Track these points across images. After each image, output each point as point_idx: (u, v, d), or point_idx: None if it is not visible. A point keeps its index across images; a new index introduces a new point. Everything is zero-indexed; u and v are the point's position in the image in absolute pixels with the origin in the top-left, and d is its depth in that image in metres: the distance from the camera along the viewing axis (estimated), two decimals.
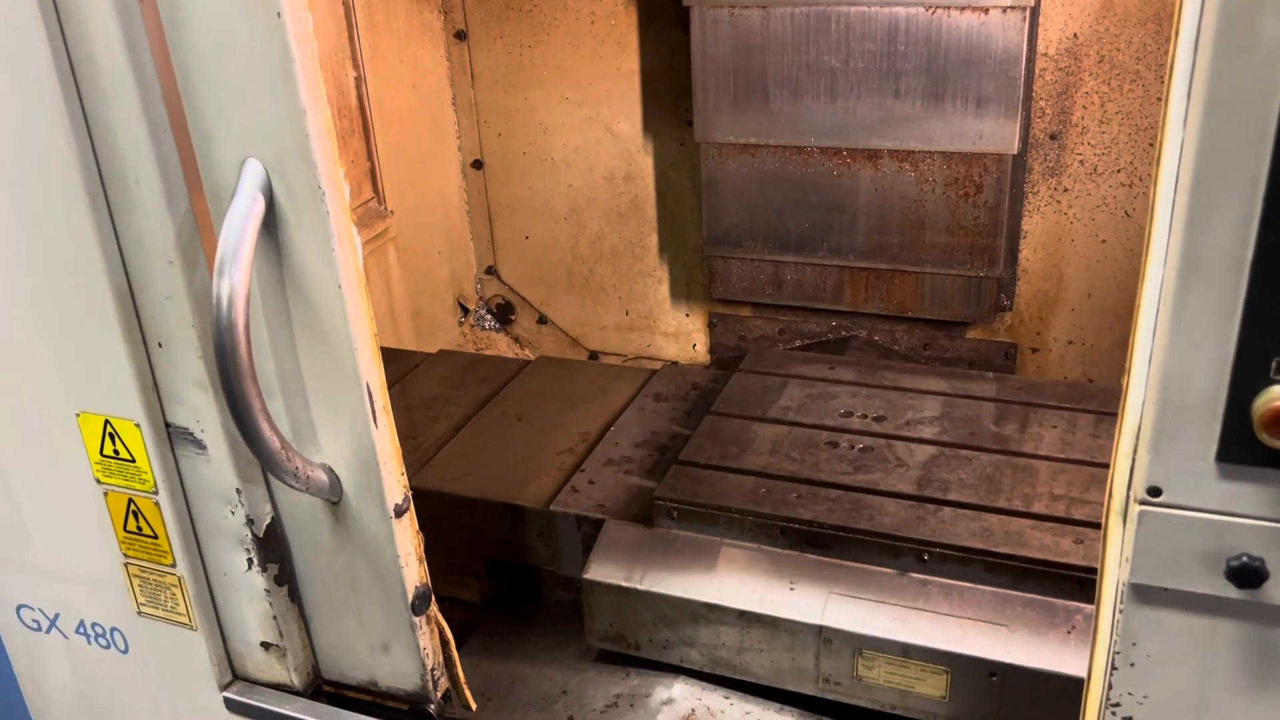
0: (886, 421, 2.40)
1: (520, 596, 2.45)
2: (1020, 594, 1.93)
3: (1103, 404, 2.41)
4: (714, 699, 2.10)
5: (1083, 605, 1.88)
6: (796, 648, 2.01)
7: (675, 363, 3.43)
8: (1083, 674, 1.68)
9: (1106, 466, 2.16)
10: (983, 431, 2.33)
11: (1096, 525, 1.92)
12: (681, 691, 2.11)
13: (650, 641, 2.14)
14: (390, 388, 1.67)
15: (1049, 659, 1.84)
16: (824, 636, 1.97)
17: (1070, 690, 1.76)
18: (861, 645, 1.94)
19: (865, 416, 2.43)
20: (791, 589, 2.03)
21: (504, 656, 2.28)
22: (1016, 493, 2.12)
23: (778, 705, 2.08)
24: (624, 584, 2.10)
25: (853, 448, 2.30)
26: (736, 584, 2.06)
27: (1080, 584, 1.89)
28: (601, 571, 2.14)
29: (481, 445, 2.57)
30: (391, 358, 2.75)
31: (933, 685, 1.92)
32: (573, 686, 2.18)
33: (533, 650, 2.27)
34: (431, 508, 2.05)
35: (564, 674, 2.21)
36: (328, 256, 1.52)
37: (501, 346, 3.69)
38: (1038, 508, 2.06)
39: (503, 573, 2.45)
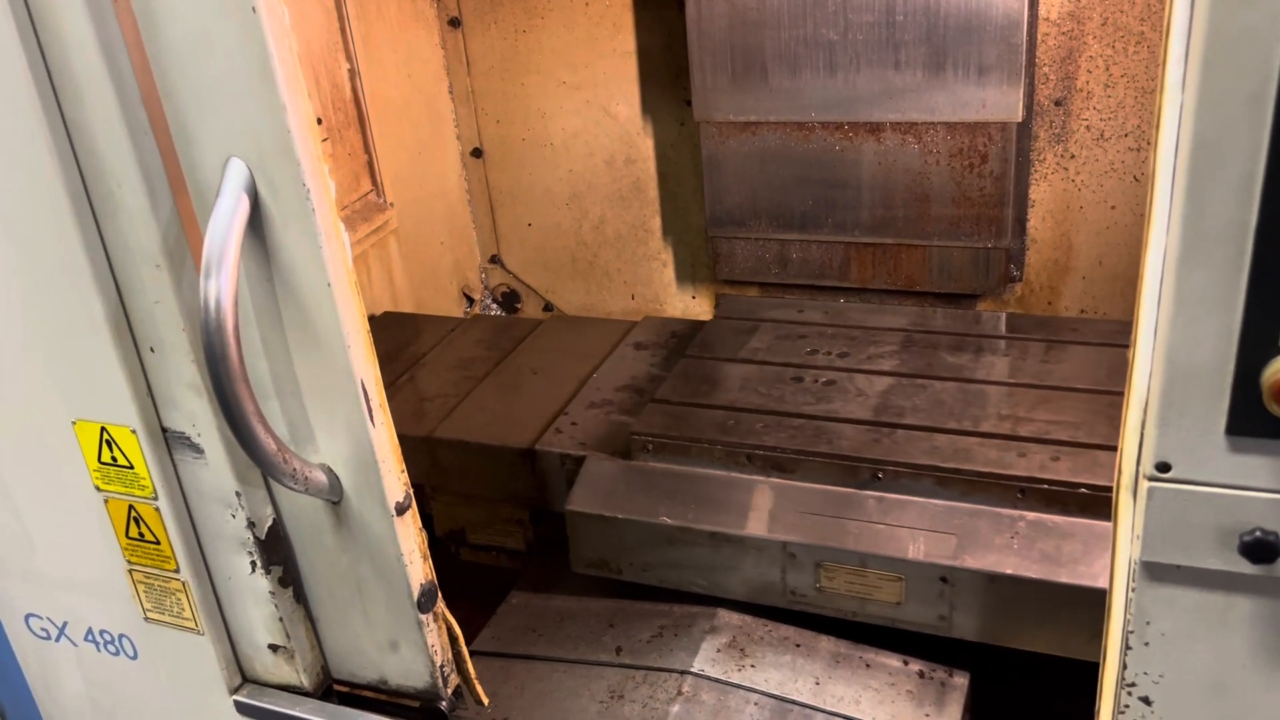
0: (850, 357, 2.56)
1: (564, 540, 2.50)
2: (968, 505, 2.07)
3: (1052, 332, 2.57)
4: (754, 628, 2.18)
5: (1025, 513, 2.03)
6: (764, 564, 2.14)
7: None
8: (1026, 574, 1.93)
9: (1053, 389, 2.30)
10: (939, 362, 2.50)
11: (1038, 440, 2.13)
12: (723, 621, 2.19)
13: (630, 565, 2.28)
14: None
15: (994, 562, 1.97)
16: (788, 552, 2.11)
17: (1014, 591, 1.95)
18: (822, 558, 2.09)
19: (830, 353, 2.59)
20: (757, 510, 2.17)
21: (551, 595, 2.39)
22: (966, 415, 2.26)
23: (813, 633, 2.16)
24: (604, 513, 2.24)
25: (816, 381, 2.46)
26: (707, 508, 2.20)
27: (1022, 493, 2.04)
28: (583, 502, 2.28)
29: (499, 397, 2.72)
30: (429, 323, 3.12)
31: (889, 592, 2.06)
32: (619, 620, 2.27)
33: (579, 589, 2.36)
34: (473, 459, 2.46)
35: (609, 609, 2.30)
36: (315, 254, 1.50)
37: None
38: (985, 427, 2.20)
39: (546, 520, 2.56)
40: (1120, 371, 2.32)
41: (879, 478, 2.14)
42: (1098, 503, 1.98)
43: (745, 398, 2.41)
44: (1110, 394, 2.29)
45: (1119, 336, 2.54)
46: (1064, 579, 1.93)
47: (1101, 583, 1.87)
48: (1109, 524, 1.91)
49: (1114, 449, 2.02)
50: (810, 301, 2.97)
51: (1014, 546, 1.99)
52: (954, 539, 2.02)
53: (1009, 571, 1.95)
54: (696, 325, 2.92)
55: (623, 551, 2.25)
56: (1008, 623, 2.00)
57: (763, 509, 2.16)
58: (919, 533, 2.05)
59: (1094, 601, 1.85)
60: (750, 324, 2.77)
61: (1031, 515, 2.02)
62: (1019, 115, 2.65)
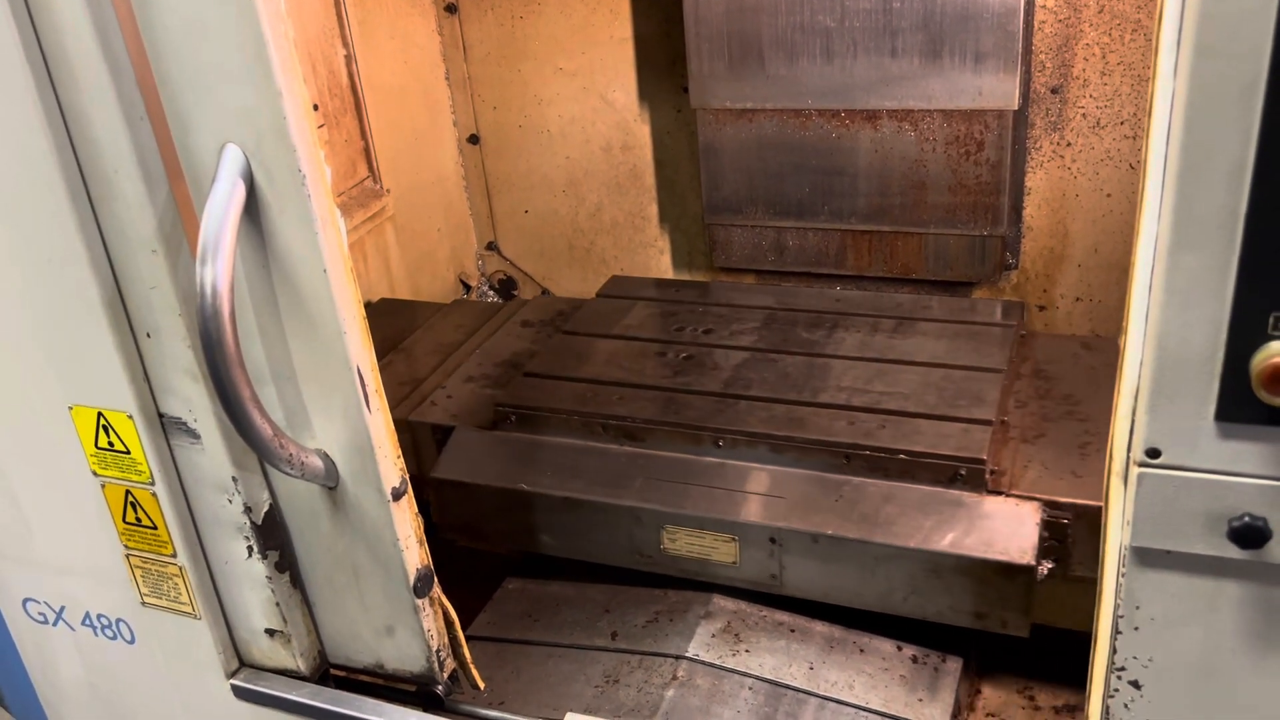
0: (713, 333, 2.67)
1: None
2: (799, 470, 2.19)
3: (908, 311, 2.69)
4: (749, 613, 2.20)
5: (850, 478, 2.15)
6: (612, 527, 2.24)
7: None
8: (846, 534, 2.05)
9: (891, 362, 2.43)
10: (794, 338, 2.60)
11: (868, 410, 2.26)
12: (718, 606, 2.21)
13: (493, 531, 2.38)
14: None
15: (818, 523, 2.08)
16: (634, 515, 2.21)
17: (836, 550, 2.07)
18: (664, 521, 2.19)
19: (696, 330, 2.69)
20: (608, 476, 2.27)
21: (547, 581, 2.41)
22: (807, 386, 2.37)
23: (807, 618, 2.18)
24: (466, 480, 2.33)
25: (677, 356, 2.57)
26: (563, 475, 2.30)
27: (848, 459, 2.15)
28: (448, 470, 2.39)
29: (409, 373, 2.81)
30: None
31: (725, 552, 2.17)
32: (614, 605, 2.28)
33: (575, 574, 2.38)
34: None
35: (605, 595, 2.32)
36: (311, 240, 1.50)
37: None
38: (822, 398, 2.32)
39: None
40: (958, 345, 2.47)
41: (720, 445, 2.25)
42: (915, 468, 2.11)
43: (608, 371, 2.53)
44: (944, 367, 2.40)
45: (968, 315, 2.66)
46: (879, 539, 2.03)
47: (913, 542, 2.02)
48: (925, 487, 2.08)
49: (939, 418, 2.19)
50: (689, 283, 3.11)
51: (837, 508, 2.10)
52: (784, 501, 2.13)
53: (830, 532, 2.06)
54: (581, 304, 3.04)
55: (484, 517, 2.35)
56: (832, 580, 2.11)
57: (613, 475, 2.28)
58: (752, 496, 2.17)
59: (909, 559, 2.02)
60: (629, 302, 2.87)
61: (856, 480, 2.14)
62: (1015, 103, 2.65)
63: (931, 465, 2.09)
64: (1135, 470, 1.25)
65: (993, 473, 2.09)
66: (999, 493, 2.06)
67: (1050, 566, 2.01)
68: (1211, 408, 1.18)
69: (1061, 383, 2.42)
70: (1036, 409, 2.33)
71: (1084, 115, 2.75)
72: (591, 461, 2.31)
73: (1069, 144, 2.80)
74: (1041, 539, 1.98)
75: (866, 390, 2.33)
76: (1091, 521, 1.99)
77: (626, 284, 3.03)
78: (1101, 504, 1.93)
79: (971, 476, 2.07)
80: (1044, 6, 2.66)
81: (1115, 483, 1.29)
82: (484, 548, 2.49)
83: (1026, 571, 1.94)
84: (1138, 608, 1.33)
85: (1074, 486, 2.05)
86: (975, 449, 2.09)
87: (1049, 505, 2.02)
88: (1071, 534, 2.02)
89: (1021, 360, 2.51)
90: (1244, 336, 1.13)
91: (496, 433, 2.44)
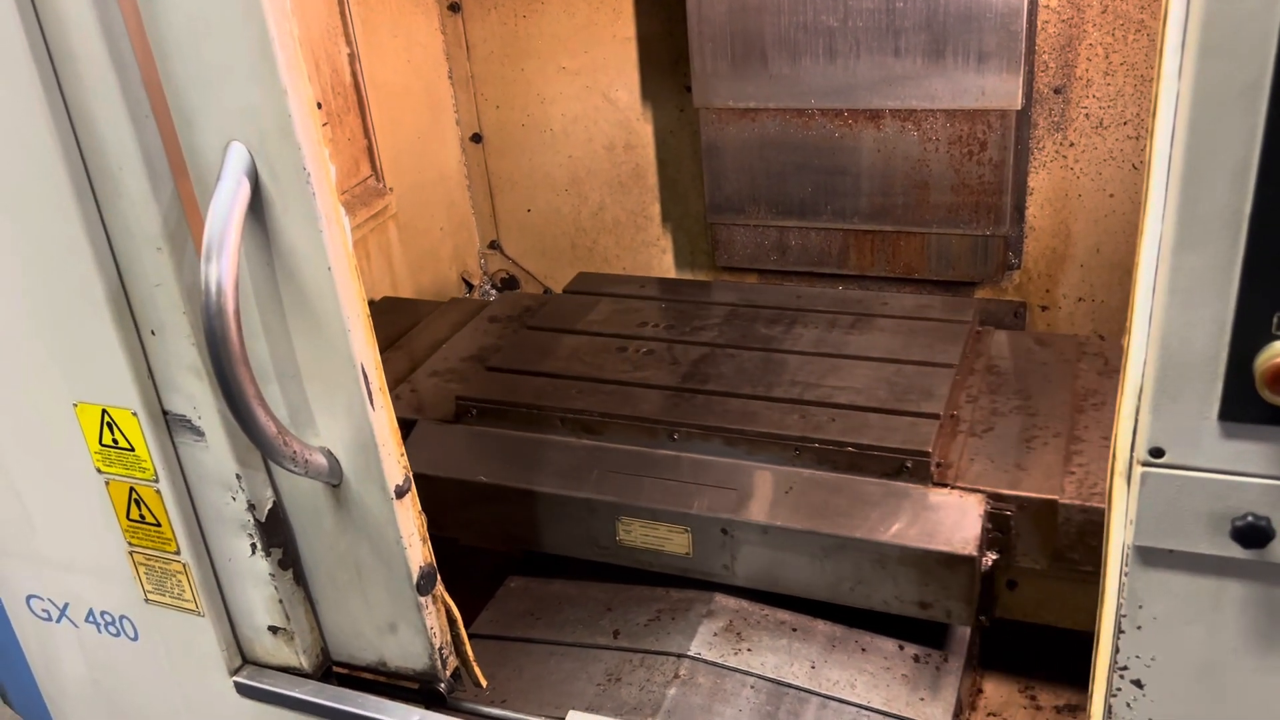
0: (674, 329, 2.70)
1: None
2: (751, 463, 2.22)
3: (867, 307, 2.72)
4: (751, 612, 2.20)
5: (800, 470, 2.18)
6: (569, 519, 2.26)
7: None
8: (794, 525, 2.08)
9: (846, 358, 2.46)
10: (753, 334, 2.63)
11: (819, 404, 2.29)
12: (720, 605, 2.21)
13: (454, 522, 2.38)
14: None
15: (768, 515, 2.11)
16: (590, 507, 2.23)
17: (786, 541, 2.09)
18: (619, 513, 2.21)
19: (658, 325, 2.72)
20: (565, 469, 2.30)
21: (549, 580, 2.41)
22: (762, 381, 2.40)
23: (809, 617, 2.18)
24: (427, 473, 2.28)
25: (638, 351, 2.60)
26: (521, 468, 2.33)
27: (798, 451, 2.18)
28: (410, 463, 2.39)
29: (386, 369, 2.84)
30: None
31: (678, 544, 2.19)
32: (616, 604, 2.28)
33: (577, 573, 2.38)
34: None
35: (607, 593, 2.32)
36: (316, 238, 1.51)
37: None
38: (776, 392, 2.35)
39: None
40: (913, 341, 2.49)
41: (674, 438, 2.28)
42: (862, 460, 2.14)
43: (569, 366, 2.56)
44: (897, 363, 2.43)
45: (927, 311, 2.67)
46: (826, 529, 2.05)
47: (859, 533, 2.04)
48: (872, 480, 2.11)
49: (888, 412, 2.22)
50: (654, 279, 3.12)
51: (786, 500, 2.13)
52: (735, 493, 2.16)
53: (779, 523, 2.09)
54: (548, 300, 3.07)
55: (445, 509, 2.34)
56: (782, 571, 2.13)
57: (571, 468, 2.30)
58: (705, 488, 2.19)
59: (855, 550, 2.05)
60: (593, 298, 2.89)
61: (806, 472, 2.17)
62: (1018, 103, 2.65)
63: (878, 458, 2.13)
64: (1138, 470, 1.25)
65: (939, 465, 2.12)
66: (944, 485, 2.09)
67: (994, 558, 2.05)
68: (1215, 407, 1.18)
69: (1014, 378, 2.45)
70: (987, 404, 2.36)
71: (1087, 115, 2.76)
72: (550, 454, 2.35)
73: (1072, 144, 2.80)
74: (985, 530, 2.01)
75: (819, 385, 2.36)
76: (1034, 514, 2.04)
77: (593, 280, 3.06)
78: (1044, 496, 2.01)
79: (917, 469, 2.10)
80: (1047, 6, 2.67)
81: (1118, 482, 1.29)
82: (445, 537, 2.47)
83: (968, 562, 1.96)
84: (1140, 607, 1.34)
85: (1018, 479, 2.08)
86: (921, 442, 2.12)
87: (993, 498, 2.05)
88: (1015, 526, 2.06)
89: (976, 356, 2.54)
90: (1247, 336, 1.13)
91: (458, 426, 2.47)
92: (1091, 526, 1.99)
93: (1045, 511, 2.02)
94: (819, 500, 2.11)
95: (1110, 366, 2.46)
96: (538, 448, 2.37)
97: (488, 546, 2.44)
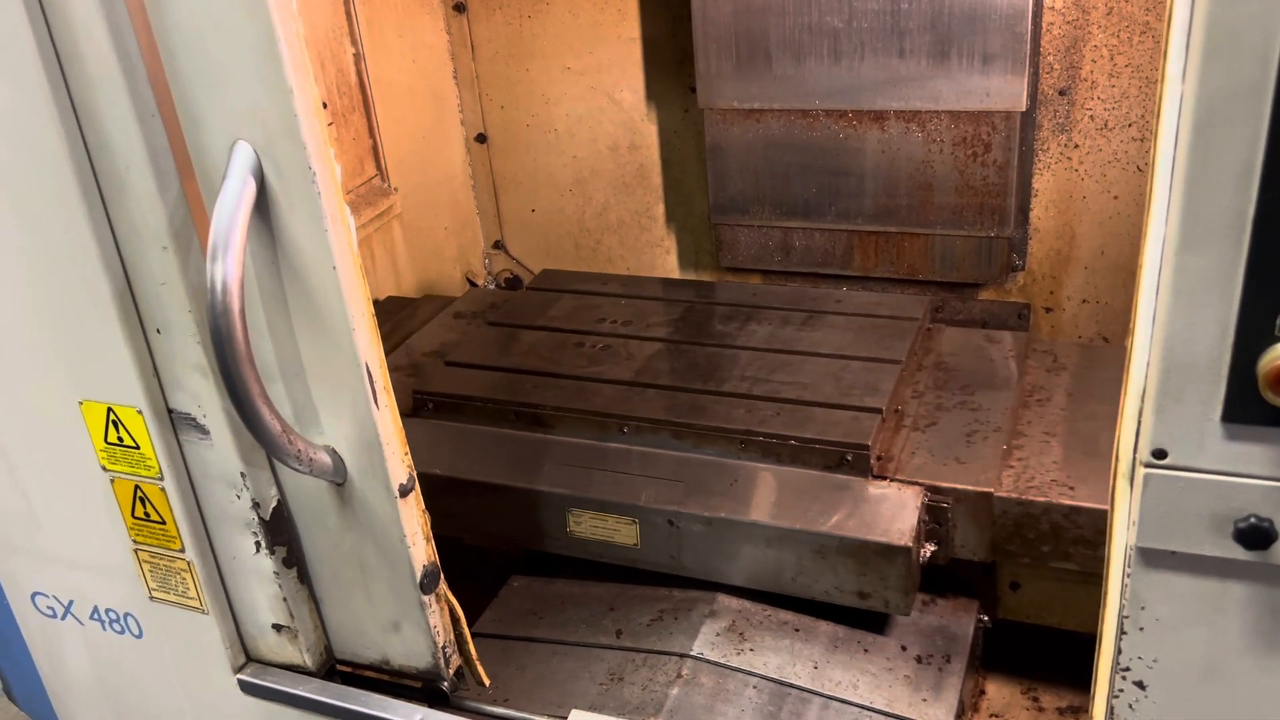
0: (632, 325, 2.74)
1: None
2: (698, 455, 2.27)
3: (820, 305, 2.77)
4: (753, 612, 2.22)
5: (744, 463, 2.23)
6: (521, 510, 2.30)
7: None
8: (737, 517, 2.11)
9: (796, 353, 2.49)
10: (707, 330, 2.68)
11: (766, 398, 2.33)
12: (722, 605, 2.23)
13: None
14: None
15: (712, 506, 2.15)
16: (541, 499, 2.27)
17: (729, 532, 2.13)
18: (569, 504, 2.25)
19: (616, 321, 2.75)
20: (518, 462, 2.34)
21: (552, 579, 2.42)
22: (713, 376, 2.46)
23: (812, 618, 2.19)
24: None
25: (594, 346, 2.64)
26: (476, 461, 2.37)
27: (744, 444, 2.24)
28: None
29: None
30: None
31: (626, 535, 2.23)
32: (619, 604, 2.30)
33: (580, 572, 2.40)
34: None
35: (610, 593, 2.34)
36: (321, 238, 1.51)
37: None
38: (726, 387, 2.40)
39: None
40: (863, 337, 2.52)
41: (624, 431, 2.34)
42: (804, 453, 2.19)
43: (527, 361, 2.61)
44: (844, 358, 2.48)
45: (877, 309, 2.71)
46: (767, 520, 2.10)
47: (799, 524, 2.07)
48: (813, 472, 2.15)
49: (832, 406, 2.25)
50: (618, 276, 3.17)
51: (731, 493, 2.17)
52: (682, 485, 2.21)
53: (723, 515, 2.13)
54: (512, 297, 3.10)
55: None
56: (727, 561, 2.17)
57: (523, 460, 2.34)
58: (653, 480, 2.24)
59: (796, 540, 2.08)
60: (556, 294, 2.94)
61: (750, 464, 2.22)
62: (1023, 104, 2.65)
63: (820, 451, 2.17)
64: (1141, 471, 1.25)
65: (879, 459, 2.17)
66: (883, 478, 2.14)
67: (932, 549, 2.09)
68: (1218, 409, 1.18)
69: (960, 374, 2.49)
70: (932, 399, 2.39)
71: (1091, 117, 2.75)
72: (504, 447, 2.40)
73: (1076, 146, 2.80)
74: (921, 522, 2.05)
75: (767, 380, 2.41)
76: (971, 506, 2.08)
77: (557, 277, 3.11)
78: (980, 489, 2.05)
79: (857, 462, 2.15)
80: (1052, 8, 2.67)
81: (1121, 483, 1.29)
82: (449, 536, 2.50)
83: (905, 553, 1.99)
84: (1143, 608, 1.34)
85: (957, 472, 2.12)
86: (861, 435, 2.16)
87: (931, 490, 2.09)
88: (951, 517, 2.10)
89: (925, 352, 2.58)
90: (1251, 338, 1.13)
91: (415, 419, 2.50)
92: (1028, 519, 2.04)
93: (981, 504, 2.06)
94: (762, 492, 2.15)
95: (1058, 364, 2.51)
96: (492, 441, 2.42)
97: (444, 535, 2.44)
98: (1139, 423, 1.24)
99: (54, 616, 2.13)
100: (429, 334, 2.93)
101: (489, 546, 2.53)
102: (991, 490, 2.05)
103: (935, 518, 2.10)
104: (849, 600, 2.08)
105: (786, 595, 2.15)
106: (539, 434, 2.41)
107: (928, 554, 2.07)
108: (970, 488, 2.07)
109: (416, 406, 2.52)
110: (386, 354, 1.69)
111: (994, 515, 2.06)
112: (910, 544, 1.99)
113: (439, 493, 2.32)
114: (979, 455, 2.17)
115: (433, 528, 2.27)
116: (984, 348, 2.59)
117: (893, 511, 2.05)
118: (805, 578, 2.10)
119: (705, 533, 2.15)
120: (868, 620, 2.16)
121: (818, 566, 2.07)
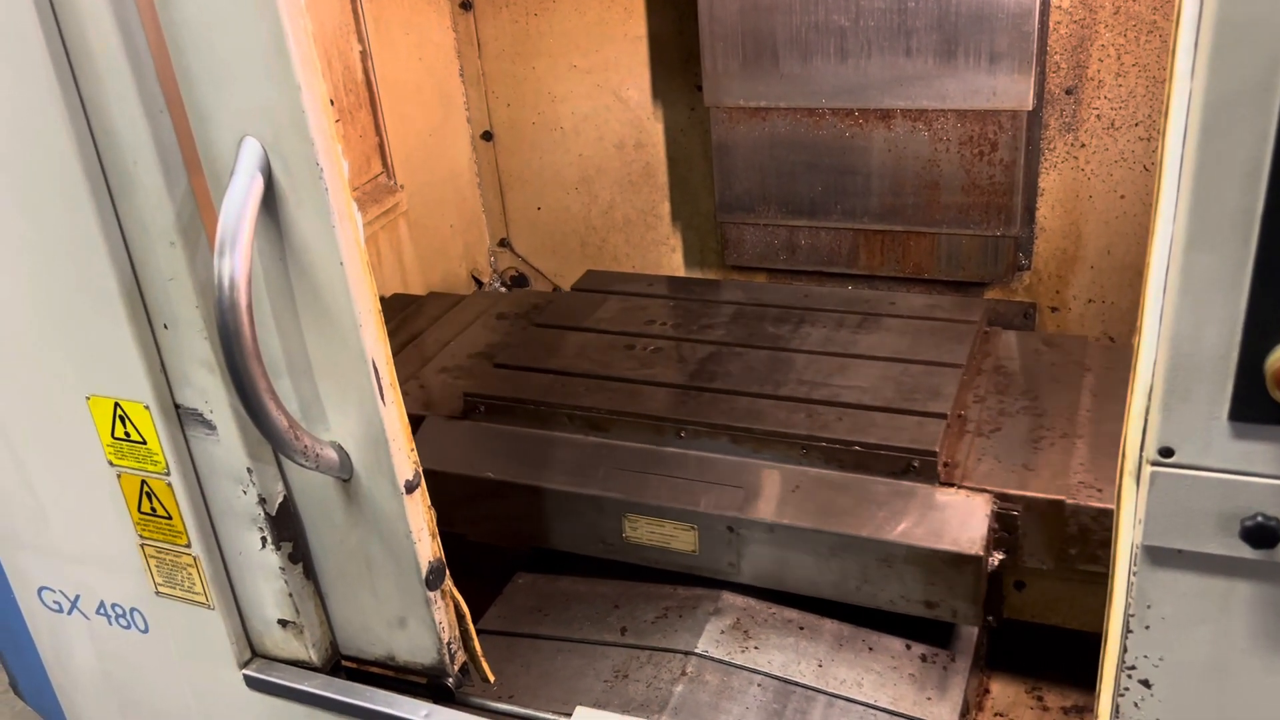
0: (682, 327, 2.69)
1: None
2: (757, 461, 2.22)
3: (874, 307, 2.72)
4: (758, 610, 2.21)
5: (807, 469, 2.18)
6: (576, 515, 2.27)
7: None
8: (800, 524, 2.08)
9: (853, 357, 2.47)
10: (760, 332, 2.63)
11: (826, 403, 2.29)
12: (727, 603, 2.22)
13: (461, 518, 2.38)
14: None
15: (774, 513, 2.11)
16: (597, 504, 2.24)
17: (791, 539, 2.09)
18: (625, 510, 2.22)
19: (665, 324, 2.72)
20: (572, 466, 2.31)
21: (557, 577, 2.41)
22: (770, 380, 2.40)
23: (817, 616, 2.19)
24: (435, 469, 2.25)
25: (645, 349, 2.60)
26: (528, 464, 2.34)
27: (805, 450, 2.19)
28: (419, 458, 2.47)
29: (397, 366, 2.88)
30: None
31: (684, 541, 2.20)
32: (624, 601, 2.29)
33: (585, 569, 2.39)
34: None
35: (615, 590, 2.33)
36: (328, 234, 1.51)
37: None
38: (784, 391, 2.35)
39: None
40: (920, 341, 2.49)
41: (681, 436, 2.29)
42: (869, 459, 2.14)
43: (577, 363, 2.56)
44: (904, 362, 2.43)
45: (934, 311, 2.67)
46: (832, 528, 2.06)
47: (865, 532, 2.04)
48: (878, 479, 2.11)
49: (895, 411, 2.22)
50: (662, 277, 3.14)
51: (792, 499, 2.13)
52: (742, 492, 2.17)
53: (785, 521, 2.10)
54: (556, 298, 3.06)
55: (453, 505, 2.33)
56: (788, 569, 2.14)
57: (578, 464, 2.31)
58: (712, 486, 2.20)
59: (861, 549, 2.05)
60: (601, 296, 2.89)
61: (813, 470, 2.17)
62: (1029, 103, 2.65)
63: (885, 457, 2.13)
64: (1148, 469, 1.25)
65: (945, 465, 2.12)
66: (951, 485, 2.09)
67: (1001, 558, 2.05)
68: (1225, 407, 1.18)
69: (1021, 378, 2.45)
70: (994, 404, 2.35)
71: (1098, 116, 2.75)
72: (557, 451, 2.35)
73: (1083, 145, 2.80)
74: (991, 530, 2.01)
75: (826, 384, 2.36)
76: (1041, 514, 2.03)
77: (601, 278, 3.06)
78: (1051, 497, 2.01)
79: (924, 468, 2.10)
80: (1059, 7, 2.66)
81: (1128, 481, 1.29)
82: (453, 533, 2.49)
83: (975, 562, 1.96)
84: (1149, 606, 1.34)
85: (1025, 480, 2.08)
86: (928, 441, 2.11)
87: (999, 498, 2.05)
88: (1021, 526, 2.05)
89: (984, 356, 2.54)
90: (1258, 336, 1.13)
91: (466, 422, 2.47)
92: (1098, 527, 1.99)
93: (1052, 512, 2.02)
94: (825, 499, 2.11)
95: (1117, 367, 2.46)
96: (545, 444, 2.37)
97: (494, 542, 2.44)
98: (1146, 421, 1.24)
99: (60, 611, 2.13)
100: (473, 335, 2.89)
101: (536, 547, 2.49)
102: (1063, 498, 2.00)
103: (1004, 526, 2.05)
104: (915, 610, 2.05)
105: (849, 604, 2.13)
106: (592, 437, 2.36)
107: (995, 563, 2.02)
108: (1041, 495, 2.02)
109: (467, 409, 2.48)
110: (394, 352, 1.69)
111: (1064, 523, 2.01)
112: (981, 553, 1.95)
113: (489, 497, 2.35)
114: (1047, 462, 2.11)
115: (482, 532, 2.27)
116: (1042, 351, 2.55)
117: (961, 519, 2.01)
118: (870, 587, 2.07)
119: (767, 540, 2.11)
120: (872, 619, 2.16)
121: (883, 576, 2.04)
